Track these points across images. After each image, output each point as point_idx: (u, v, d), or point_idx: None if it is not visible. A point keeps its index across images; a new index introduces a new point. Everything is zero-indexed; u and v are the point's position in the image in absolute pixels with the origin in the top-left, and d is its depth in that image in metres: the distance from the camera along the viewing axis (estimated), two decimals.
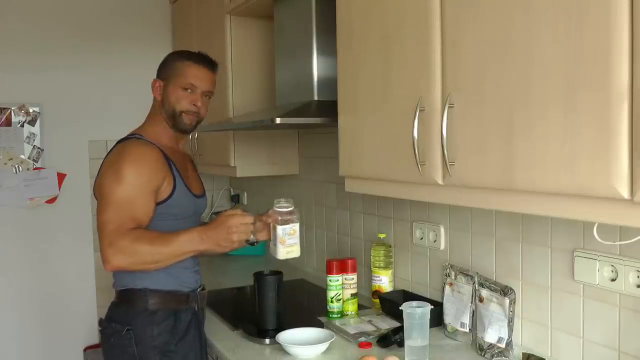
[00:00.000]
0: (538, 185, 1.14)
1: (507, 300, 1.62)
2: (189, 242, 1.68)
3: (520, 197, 1.20)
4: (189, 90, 1.82)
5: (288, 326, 1.84)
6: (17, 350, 3.15)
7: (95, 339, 3.31)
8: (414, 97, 1.44)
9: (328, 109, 1.90)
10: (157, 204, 1.75)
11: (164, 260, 1.69)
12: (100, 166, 1.79)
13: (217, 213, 2.18)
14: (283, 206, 1.75)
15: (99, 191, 1.72)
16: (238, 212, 1.69)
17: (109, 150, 1.83)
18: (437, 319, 1.83)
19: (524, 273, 1.69)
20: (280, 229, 1.74)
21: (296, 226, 1.76)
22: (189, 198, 1.84)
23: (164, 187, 1.76)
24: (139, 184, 1.70)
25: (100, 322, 1.84)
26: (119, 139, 1.84)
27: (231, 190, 3.70)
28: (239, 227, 1.67)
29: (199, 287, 1.90)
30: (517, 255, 1.71)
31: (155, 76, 1.89)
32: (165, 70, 1.87)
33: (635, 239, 1.33)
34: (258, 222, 1.81)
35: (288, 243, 1.75)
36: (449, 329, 1.83)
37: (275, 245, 1.75)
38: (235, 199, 3.60)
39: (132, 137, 1.81)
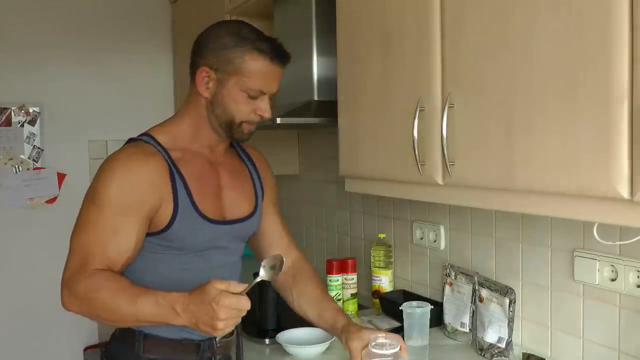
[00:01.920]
0: (538, 185, 1.14)
1: (507, 300, 1.61)
2: (155, 310, 1.25)
3: (520, 197, 1.20)
4: (256, 97, 1.39)
5: (288, 326, 1.84)
6: (17, 350, 3.15)
7: (95, 339, 3.30)
8: (414, 97, 1.44)
9: (328, 109, 1.90)
10: (151, 234, 1.37)
11: (123, 322, 1.33)
12: None
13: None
14: (381, 345, 1.29)
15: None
16: (231, 287, 1.21)
17: (110, 153, 1.46)
18: (437, 319, 1.83)
19: (524, 273, 1.69)
20: None
21: None
22: (198, 227, 1.39)
23: (162, 213, 1.36)
24: (119, 210, 1.32)
25: (101, 353, 1.55)
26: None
27: None
28: (228, 311, 1.19)
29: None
30: (517, 255, 1.71)
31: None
32: (222, 59, 1.37)
33: (635, 239, 1.33)
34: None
35: None
36: (449, 329, 1.83)
37: None
38: None
39: (139, 139, 1.43)
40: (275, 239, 1.65)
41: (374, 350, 1.29)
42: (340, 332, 1.46)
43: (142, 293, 1.26)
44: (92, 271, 1.30)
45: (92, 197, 1.34)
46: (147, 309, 1.25)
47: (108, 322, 1.34)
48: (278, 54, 1.39)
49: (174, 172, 1.38)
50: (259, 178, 1.60)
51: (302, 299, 1.57)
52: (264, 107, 1.41)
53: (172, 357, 1.42)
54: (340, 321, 1.48)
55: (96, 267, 1.31)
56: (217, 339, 1.45)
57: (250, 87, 1.37)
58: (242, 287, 1.22)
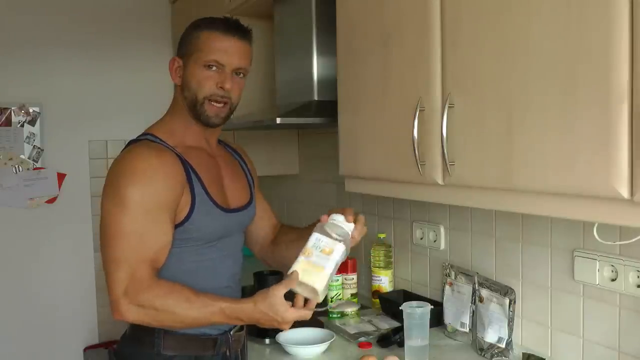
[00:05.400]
0: (538, 185, 1.14)
1: (507, 300, 1.62)
2: (221, 319, 1.36)
3: (520, 197, 1.20)
4: (213, 69, 1.43)
5: None
6: (17, 350, 3.15)
7: (95, 339, 3.30)
8: (414, 97, 1.44)
9: (328, 109, 1.90)
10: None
11: (186, 326, 1.38)
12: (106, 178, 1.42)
13: None
14: (338, 222, 1.36)
15: (101, 216, 1.37)
16: (299, 304, 1.32)
17: (110, 153, 1.55)
18: (437, 319, 1.83)
19: (524, 273, 1.69)
20: (313, 237, 1.33)
21: (338, 249, 1.31)
22: (214, 216, 1.44)
23: (181, 206, 1.38)
24: (151, 209, 1.33)
25: (109, 355, 1.55)
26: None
27: None
28: (292, 322, 1.34)
29: (235, 327, 1.52)
30: (517, 255, 1.71)
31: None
32: (183, 45, 1.47)
33: (635, 239, 1.33)
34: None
35: (314, 261, 1.30)
36: (449, 329, 1.83)
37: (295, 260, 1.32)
38: None
39: (142, 139, 1.45)
40: (267, 218, 1.74)
41: (330, 222, 1.36)
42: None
43: (207, 304, 1.34)
44: (150, 281, 1.33)
45: (118, 203, 1.33)
46: (212, 318, 1.35)
47: (166, 327, 1.39)
48: (231, 26, 1.45)
49: (185, 165, 1.42)
50: (248, 169, 1.68)
51: (286, 247, 1.64)
52: (222, 78, 1.43)
53: (191, 353, 1.45)
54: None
55: (147, 272, 1.34)
56: (231, 332, 1.51)
57: (205, 59, 1.42)
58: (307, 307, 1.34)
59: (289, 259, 1.56)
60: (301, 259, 1.32)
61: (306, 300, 1.34)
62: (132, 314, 1.33)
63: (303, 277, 1.30)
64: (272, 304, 1.30)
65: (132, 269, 1.32)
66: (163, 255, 1.38)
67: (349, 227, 1.37)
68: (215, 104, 1.44)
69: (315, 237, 1.33)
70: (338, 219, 1.37)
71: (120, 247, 1.33)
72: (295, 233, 1.66)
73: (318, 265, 1.30)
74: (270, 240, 1.73)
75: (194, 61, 1.44)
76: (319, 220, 1.43)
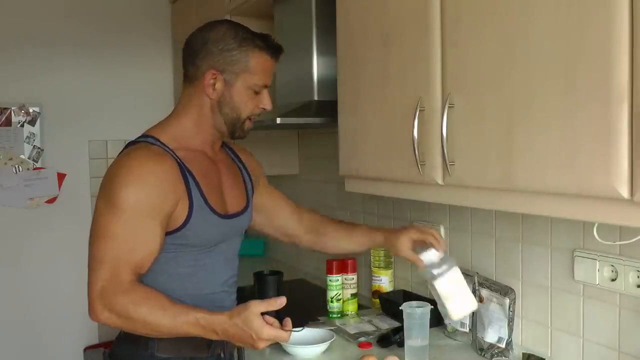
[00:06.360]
0: (538, 185, 1.14)
1: (507, 300, 1.62)
2: (195, 330, 1.31)
3: (520, 197, 1.20)
4: (259, 92, 1.47)
5: None
6: (17, 350, 3.15)
7: (95, 339, 3.30)
8: (414, 97, 1.44)
9: (328, 109, 1.90)
10: (166, 233, 1.38)
11: (161, 335, 1.36)
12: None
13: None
14: (431, 254, 1.54)
15: (93, 215, 1.35)
16: (275, 325, 1.30)
17: (110, 153, 1.54)
18: (437, 319, 1.82)
19: (524, 273, 1.69)
20: (438, 284, 1.51)
21: (455, 272, 1.52)
22: (212, 222, 1.43)
23: (178, 212, 1.37)
24: (141, 213, 1.31)
25: (104, 355, 1.56)
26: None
27: None
28: (268, 341, 1.30)
29: None
30: (517, 255, 1.71)
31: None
32: (228, 60, 1.42)
33: (635, 239, 1.33)
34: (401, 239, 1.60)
35: (458, 298, 1.51)
36: (449, 329, 1.83)
37: (443, 305, 1.53)
38: None
39: (141, 141, 1.42)
40: (282, 205, 1.79)
41: (425, 259, 1.54)
42: (384, 244, 1.69)
43: (182, 312, 1.30)
44: (128, 285, 1.31)
45: (110, 203, 1.32)
46: (187, 328, 1.30)
47: (140, 333, 1.36)
48: (275, 48, 1.48)
49: (184, 170, 1.40)
50: (249, 176, 1.65)
51: (335, 242, 1.76)
52: (266, 101, 1.49)
53: (185, 355, 1.43)
54: (378, 237, 1.69)
55: (128, 276, 1.32)
56: None
57: (256, 82, 1.45)
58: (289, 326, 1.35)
59: (335, 249, 1.79)
60: (451, 303, 1.52)
61: (281, 323, 1.33)
62: (106, 319, 1.31)
63: (464, 309, 1.54)
64: (247, 319, 1.27)
65: (114, 270, 1.30)
66: (148, 262, 1.35)
67: (443, 253, 1.56)
68: (251, 121, 1.50)
69: (443, 283, 1.51)
70: (434, 256, 1.54)
71: (107, 247, 1.31)
72: (344, 231, 1.76)
73: (465, 298, 1.53)
74: (297, 226, 1.77)
75: (242, 81, 1.43)
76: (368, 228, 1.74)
